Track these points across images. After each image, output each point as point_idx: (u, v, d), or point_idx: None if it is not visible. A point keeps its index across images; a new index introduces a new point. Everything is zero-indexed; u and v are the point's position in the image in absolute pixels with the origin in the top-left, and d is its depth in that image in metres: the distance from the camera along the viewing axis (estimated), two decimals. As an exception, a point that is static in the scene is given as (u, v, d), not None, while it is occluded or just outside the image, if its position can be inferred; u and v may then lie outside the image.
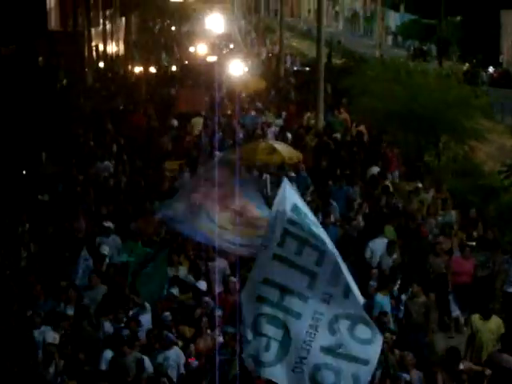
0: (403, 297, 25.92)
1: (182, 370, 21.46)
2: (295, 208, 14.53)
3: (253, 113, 54.11)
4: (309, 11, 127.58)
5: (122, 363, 21.48)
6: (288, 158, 38.34)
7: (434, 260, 27.60)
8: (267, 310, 14.85)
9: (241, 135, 47.62)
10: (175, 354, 21.56)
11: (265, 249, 14.62)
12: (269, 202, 31.81)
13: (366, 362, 14.46)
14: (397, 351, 21.32)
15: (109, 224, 29.51)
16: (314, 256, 14.59)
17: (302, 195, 31.77)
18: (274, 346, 14.79)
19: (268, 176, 36.92)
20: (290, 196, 14.73)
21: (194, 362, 21.89)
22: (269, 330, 14.83)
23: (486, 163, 35.97)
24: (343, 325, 14.29)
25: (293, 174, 37.87)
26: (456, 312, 27.59)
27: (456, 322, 27.79)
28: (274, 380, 15.42)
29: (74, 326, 23.41)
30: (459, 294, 27.63)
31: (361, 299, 14.66)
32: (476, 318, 23.20)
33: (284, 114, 55.03)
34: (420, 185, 35.70)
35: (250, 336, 15.06)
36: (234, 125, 49.47)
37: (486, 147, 40.38)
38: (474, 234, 30.63)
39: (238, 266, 24.06)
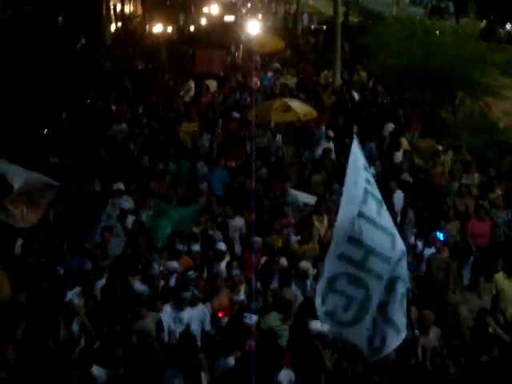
0: (426, 252, 25.70)
1: (208, 327, 21.06)
2: (366, 168, 15.22)
3: (270, 73, 53.69)
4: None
5: (140, 325, 20.94)
6: (303, 115, 37.28)
7: (445, 225, 27.22)
8: (350, 269, 14.81)
9: (258, 95, 46.38)
10: (202, 312, 21.18)
11: (348, 205, 14.71)
12: (283, 162, 32.03)
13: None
14: (414, 309, 20.29)
15: (119, 185, 29.28)
16: (389, 216, 15.29)
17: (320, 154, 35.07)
18: (355, 306, 14.85)
19: (280, 136, 37.04)
20: (360, 156, 15.04)
21: (224, 318, 21.52)
22: (350, 289, 14.87)
23: (501, 119, 36.02)
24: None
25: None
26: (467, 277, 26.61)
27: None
28: (351, 340, 16.25)
29: (105, 287, 22.70)
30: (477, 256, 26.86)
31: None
32: (500, 276, 22.95)
33: (296, 72, 54.79)
34: (440, 147, 35.37)
35: (324, 292, 15.08)
36: (250, 85, 49.09)
37: (502, 103, 40.40)
38: (492, 195, 29.77)
39: (253, 226, 25.87)
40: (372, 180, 15.23)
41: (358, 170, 14.91)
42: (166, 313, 20.94)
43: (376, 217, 14.79)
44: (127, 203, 28.44)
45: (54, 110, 39.31)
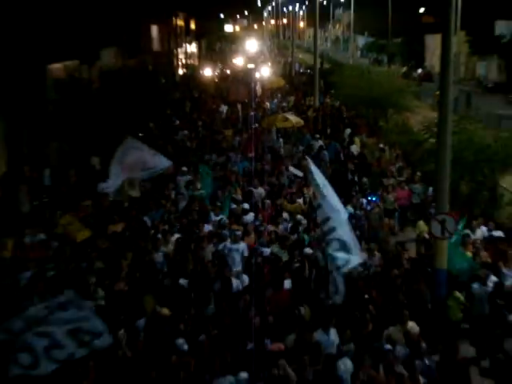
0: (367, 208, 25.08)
1: (246, 254, 19.70)
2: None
3: (275, 100, 53.80)
4: (309, 36, 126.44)
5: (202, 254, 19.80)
6: (295, 123, 38.10)
7: (386, 196, 26.27)
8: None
9: (268, 113, 46.79)
10: (243, 245, 19.87)
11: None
12: (282, 155, 33.02)
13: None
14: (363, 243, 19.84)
15: (184, 168, 28.82)
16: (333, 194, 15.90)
17: (307, 147, 34.10)
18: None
19: (281, 140, 36.56)
20: (315, 170, 15.70)
21: (260, 248, 20.17)
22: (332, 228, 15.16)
23: (415, 126, 36.28)
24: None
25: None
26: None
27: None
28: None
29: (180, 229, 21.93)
30: (401, 212, 26.82)
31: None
32: (421, 223, 22.55)
33: (293, 98, 54.55)
34: (381, 144, 34.91)
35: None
36: (263, 107, 49.44)
37: (415, 117, 40.67)
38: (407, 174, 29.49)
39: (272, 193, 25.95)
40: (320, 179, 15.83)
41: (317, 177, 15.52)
42: (225, 245, 19.92)
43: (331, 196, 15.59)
44: (187, 178, 28.01)
45: (145, 122, 39.04)
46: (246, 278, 17.67)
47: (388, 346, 13.77)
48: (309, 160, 15.62)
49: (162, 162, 22.94)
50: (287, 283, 16.95)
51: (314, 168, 15.14)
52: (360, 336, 14.37)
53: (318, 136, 37.03)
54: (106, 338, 11.19)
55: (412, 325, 14.87)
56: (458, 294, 16.96)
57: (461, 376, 13.18)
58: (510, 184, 27.20)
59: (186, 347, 13.86)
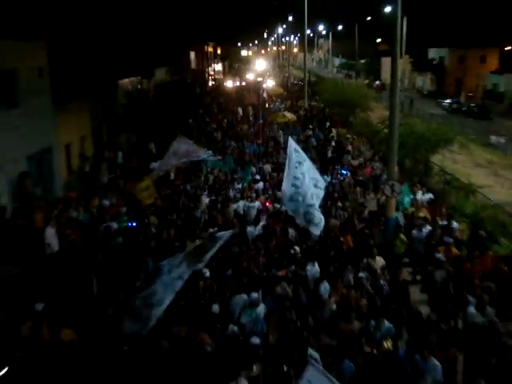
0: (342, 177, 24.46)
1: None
2: (297, 150, 13.49)
3: (277, 103, 53.20)
4: (300, 58, 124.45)
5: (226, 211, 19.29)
6: (291, 119, 37.16)
7: (358, 171, 25.61)
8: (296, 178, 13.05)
9: (271, 111, 45.93)
10: (257, 204, 19.44)
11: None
12: (279, 140, 31.90)
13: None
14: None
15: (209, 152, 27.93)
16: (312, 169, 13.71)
17: (298, 136, 32.41)
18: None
19: (281, 131, 35.03)
20: (293, 146, 13.61)
21: (270, 206, 19.54)
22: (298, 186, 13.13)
23: (374, 121, 35.87)
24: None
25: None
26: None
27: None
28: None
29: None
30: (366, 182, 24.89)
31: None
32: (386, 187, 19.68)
33: (289, 102, 53.86)
34: (349, 135, 34.05)
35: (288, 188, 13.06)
36: (269, 108, 48.24)
37: (374, 114, 40.33)
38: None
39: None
40: (299, 155, 13.73)
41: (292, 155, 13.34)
42: (245, 203, 19.80)
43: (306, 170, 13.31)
44: (215, 158, 25.79)
45: (186, 119, 38.19)
46: (259, 227, 17.00)
47: (361, 274, 13.57)
48: (291, 140, 13.99)
49: (203, 153, 21.69)
50: (291, 231, 16.47)
51: (295, 146, 13.85)
52: (336, 267, 14.20)
53: (310, 127, 36.60)
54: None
55: (379, 258, 14.78)
56: (402, 236, 16.82)
57: (402, 291, 13.08)
58: (437, 160, 26.80)
59: (208, 274, 13.39)
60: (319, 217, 12.81)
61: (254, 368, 9.81)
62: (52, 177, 24.21)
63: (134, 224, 17.59)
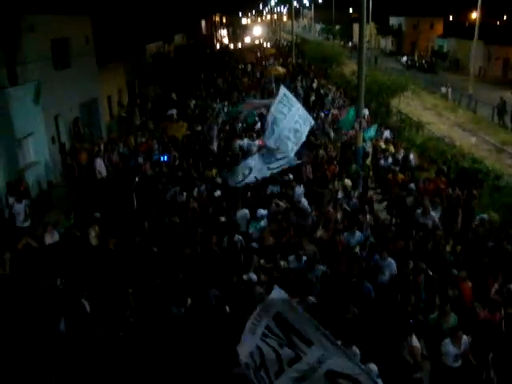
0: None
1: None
2: (286, 95, 12.89)
3: (270, 60, 50.08)
4: (289, 25, 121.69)
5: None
6: (282, 72, 35.85)
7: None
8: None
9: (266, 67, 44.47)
10: (257, 143, 17.72)
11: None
12: (273, 90, 29.23)
13: None
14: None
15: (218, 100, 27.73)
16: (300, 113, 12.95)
17: (288, 87, 30.70)
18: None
19: (273, 78, 32.98)
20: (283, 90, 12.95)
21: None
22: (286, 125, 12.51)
23: (347, 73, 35.14)
24: None
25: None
26: None
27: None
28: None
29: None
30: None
31: None
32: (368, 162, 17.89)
33: (281, 59, 50.52)
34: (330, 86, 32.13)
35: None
36: (264, 65, 45.45)
37: (347, 69, 38.98)
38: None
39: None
40: (288, 99, 12.69)
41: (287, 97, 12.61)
42: (248, 142, 18.57)
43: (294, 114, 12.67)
44: (220, 105, 26.49)
45: (198, 73, 36.58)
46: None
47: (339, 194, 13.18)
48: (282, 86, 13.37)
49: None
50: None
51: (285, 91, 12.99)
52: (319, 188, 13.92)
53: (298, 79, 34.94)
54: None
55: (347, 181, 14.30)
56: (367, 161, 16.80)
57: (369, 206, 12.57)
58: (395, 103, 26.24)
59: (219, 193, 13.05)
60: (291, 146, 12.39)
61: (255, 258, 9.91)
62: (98, 121, 24.94)
63: (166, 158, 17.26)
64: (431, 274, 9.36)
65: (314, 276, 9.41)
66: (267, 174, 12.58)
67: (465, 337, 7.61)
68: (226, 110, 25.54)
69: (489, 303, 8.25)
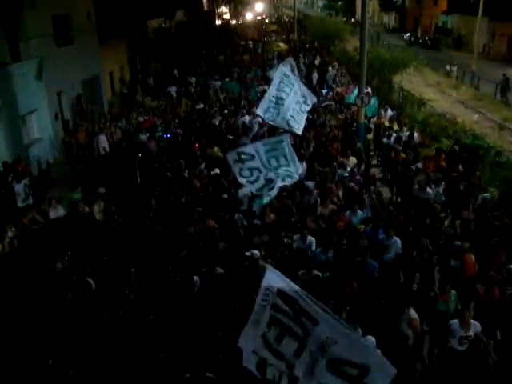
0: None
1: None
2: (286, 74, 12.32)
3: (273, 36, 50.15)
4: (291, 0, 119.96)
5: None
6: (284, 48, 36.01)
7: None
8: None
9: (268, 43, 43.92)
10: (259, 120, 17.36)
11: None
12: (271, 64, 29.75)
13: None
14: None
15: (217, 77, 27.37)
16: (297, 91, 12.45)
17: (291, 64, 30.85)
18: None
19: (275, 54, 33.75)
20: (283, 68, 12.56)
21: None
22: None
23: (349, 49, 34.67)
24: None
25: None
26: None
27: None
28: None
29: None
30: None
31: None
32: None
33: (283, 36, 49.99)
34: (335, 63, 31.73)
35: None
36: (265, 40, 44.05)
37: (350, 45, 38.59)
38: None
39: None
40: (288, 78, 12.23)
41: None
42: (249, 119, 18.36)
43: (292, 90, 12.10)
44: (219, 83, 26.37)
45: (200, 49, 35.57)
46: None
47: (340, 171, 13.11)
48: (281, 65, 13.06)
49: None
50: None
51: (286, 70, 12.60)
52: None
53: (300, 55, 34.09)
54: None
55: (352, 158, 14.14)
56: (369, 136, 16.65)
57: (372, 183, 12.67)
58: (397, 80, 25.54)
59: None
60: (292, 123, 12.01)
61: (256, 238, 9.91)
62: (100, 97, 25.03)
63: (169, 135, 17.32)
64: (430, 248, 9.29)
65: (324, 257, 9.27)
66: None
67: (476, 322, 7.29)
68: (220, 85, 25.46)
69: (486, 279, 8.16)
